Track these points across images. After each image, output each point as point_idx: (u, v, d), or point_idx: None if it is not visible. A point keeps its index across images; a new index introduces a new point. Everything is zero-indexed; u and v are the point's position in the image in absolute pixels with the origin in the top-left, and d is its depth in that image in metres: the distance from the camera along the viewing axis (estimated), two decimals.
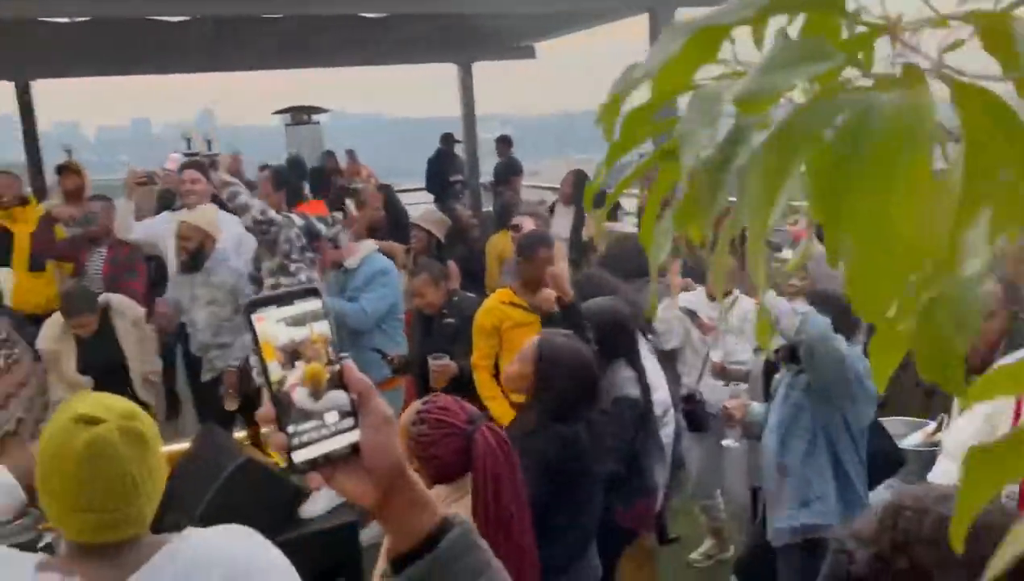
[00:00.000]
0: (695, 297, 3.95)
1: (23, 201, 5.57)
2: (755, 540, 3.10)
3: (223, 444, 4.14)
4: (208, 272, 4.46)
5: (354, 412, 0.76)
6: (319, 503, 4.15)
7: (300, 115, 11.67)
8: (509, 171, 9.63)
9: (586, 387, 2.61)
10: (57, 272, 5.45)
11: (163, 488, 1.42)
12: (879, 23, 0.39)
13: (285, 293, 0.76)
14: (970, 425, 2.20)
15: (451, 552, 0.79)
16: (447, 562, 0.79)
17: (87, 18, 6.90)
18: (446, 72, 11.83)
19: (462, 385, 4.00)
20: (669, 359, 3.81)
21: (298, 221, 4.16)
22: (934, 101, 0.35)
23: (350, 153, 9.52)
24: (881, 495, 2.73)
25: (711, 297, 3.85)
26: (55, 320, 4.32)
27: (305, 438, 0.74)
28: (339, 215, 4.83)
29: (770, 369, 3.21)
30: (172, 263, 4.98)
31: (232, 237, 4.72)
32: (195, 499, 3.48)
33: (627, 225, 6.00)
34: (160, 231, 5.08)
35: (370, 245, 4.56)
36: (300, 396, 0.74)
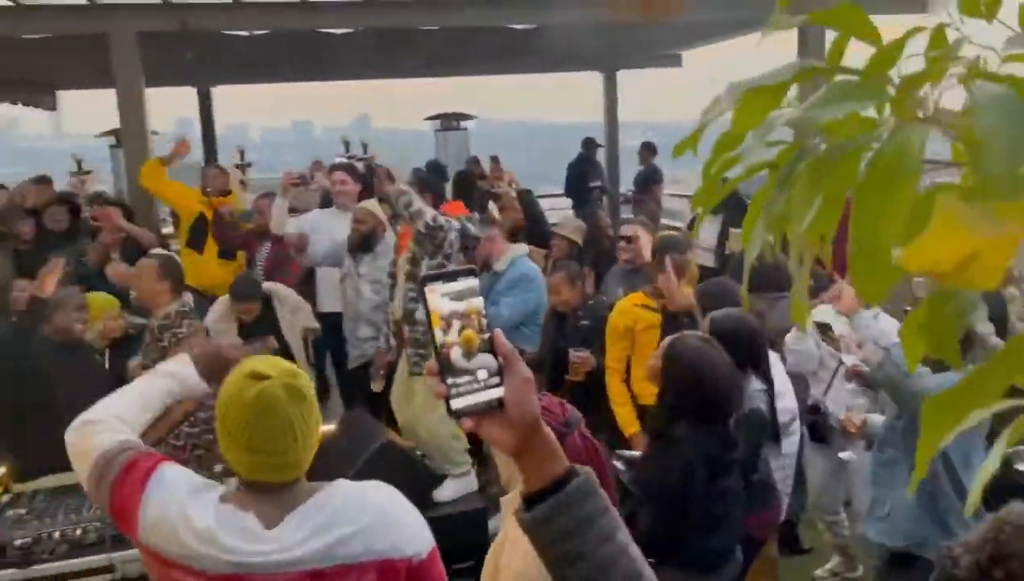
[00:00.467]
0: (827, 310, 3.91)
1: (225, 193, 6.14)
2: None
3: (367, 427, 4.46)
4: (376, 255, 4.87)
5: (500, 373, 0.95)
6: (450, 489, 4.39)
7: (449, 121, 12.15)
8: (650, 179, 9.62)
9: (716, 392, 2.57)
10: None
11: (318, 441, 1.67)
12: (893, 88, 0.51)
13: (451, 271, 0.96)
14: None
15: (575, 495, 0.96)
16: (571, 503, 0.95)
17: (265, 31, 7.54)
18: (591, 79, 12.01)
19: (591, 385, 4.13)
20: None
21: (455, 225, 4.41)
22: (922, 140, 0.48)
23: (494, 159, 9.83)
24: None
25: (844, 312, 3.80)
26: (222, 302, 4.78)
27: (461, 390, 0.93)
28: (478, 215, 5.08)
29: None
30: (317, 258, 5.44)
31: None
32: (339, 475, 3.79)
33: None
34: (309, 227, 5.50)
35: (519, 249, 4.71)
36: (456, 356, 0.93)
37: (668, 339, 2.77)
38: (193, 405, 3.31)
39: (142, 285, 4.05)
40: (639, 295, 3.97)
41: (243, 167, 8.53)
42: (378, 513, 1.61)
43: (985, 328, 2.31)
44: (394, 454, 4.10)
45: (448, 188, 6.67)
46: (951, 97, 0.51)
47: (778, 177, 0.60)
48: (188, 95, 11.99)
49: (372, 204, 5.03)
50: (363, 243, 4.93)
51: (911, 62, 0.53)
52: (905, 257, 0.43)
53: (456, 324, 0.93)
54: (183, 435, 3.85)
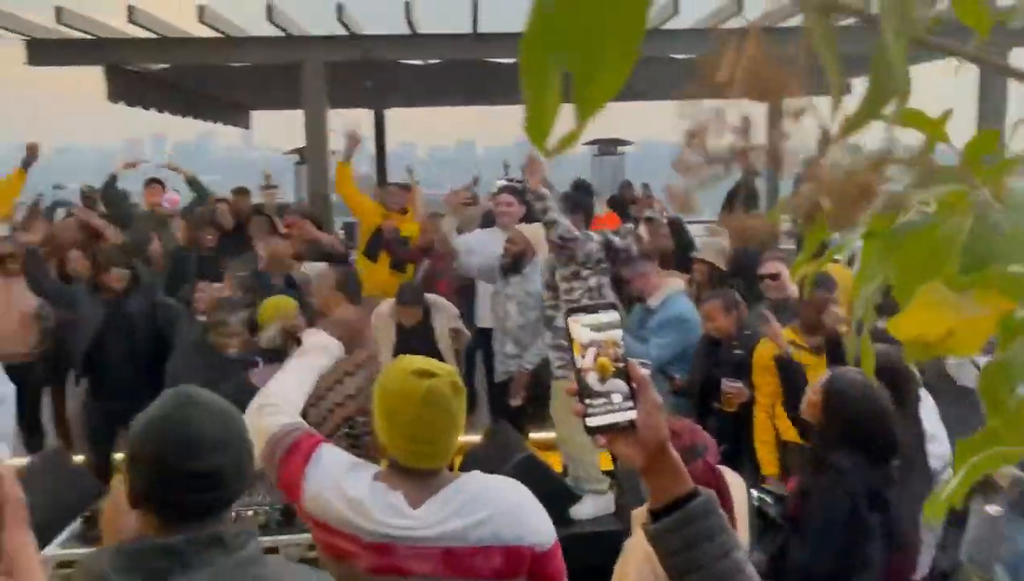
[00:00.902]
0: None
1: (404, 211, 6.57)
2: None
3: (510, 440, 4.65)
4: (524, 277, 5.06)
5: (633, 397, 1.08)
6: (588, 507, 4.49)
7: (607, 146, 12.27)
8: None
9: (880, 428, 2.51)
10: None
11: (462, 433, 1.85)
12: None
13: (593, 304, 1.10)
14: None
15: (697, 512, 1.08)
16: (693, 519, 1.08)
17: (438, 60, 8.01)
18: (753, 105, 11.73)
19: (741, 417, 4.09)
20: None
21: (596, 237, 4.53)
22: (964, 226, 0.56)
23: (646, 186, 9.82)
24: None
25: None
26: (388, 304, 5.10)
27: (597, 410, 1.07)
28: (631, 226, 5.14)
29: None
30: (473, 271, 5.69)
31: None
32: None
33: None
34: (475, 245, 5.78)
35: (675, 286, 4.67)
36: (592, 380, 1.07)
37: (828, 374, 2.73)
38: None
39: (320, 293, 4.48)
40: (787, 331, 3.93)
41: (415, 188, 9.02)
42: (507, 504, 1.77)
43: None
44: (535, 468, 4.23)
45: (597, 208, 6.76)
46: None
47: (876, 246, 0.67)
48: (364, 117, 12.85)
49: (527, 227, 5.22)
50: (513, 264, 5.12)
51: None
52: (894, 327, 0.52)
53: (594, 351, 1.07)
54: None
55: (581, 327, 1.08)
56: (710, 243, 5.69)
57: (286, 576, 1.39)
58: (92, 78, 7.99)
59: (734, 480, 2.27)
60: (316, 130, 6.93)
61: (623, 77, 0.39)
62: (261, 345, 4.52)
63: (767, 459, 3.94)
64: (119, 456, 4.37)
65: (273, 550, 3.49)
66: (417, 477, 1.77)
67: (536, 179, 4.32)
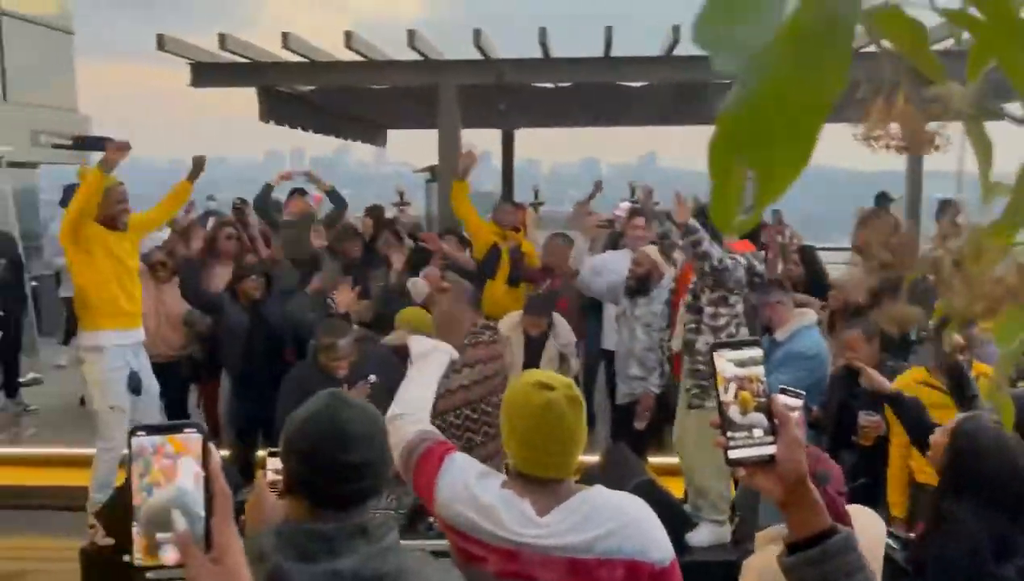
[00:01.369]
0: None
1: (516, 229, 6.74)
2: None
3: (629, 462, 4.65)
4: (651, 299, 5.06)
5: (774, 432, 1.11)
6: (704, 535, 4.43)
7: None
8: None
9: (1013, 479, 2.36)
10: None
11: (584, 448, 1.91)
12: None
13: (738, 341, 1.17)
14: None
15: (835, 548, 1.11)
16: (832, 555, 1.10)
17: (568, 84, 8.15)
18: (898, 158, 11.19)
19: (876, 451, 3.95)
20: None
21: (743, 261, 4.45)
22: None
23: (776, 212, 9.49)
24: None
25: None
26: (515, 315, 5.26)
27: (738, 443, 1.12)
28: (762, 253, 5.05)
29: None
30: (602, 292, 5.70)
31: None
32: None
33: None
34: (603, 266, 5.81)
35: (806, 319, 4.52)
36: (734, 413, 1.12)
37: (959, 417, 2.62)
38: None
39: (444, 305, 4.67)
40: (922, 371, 3.77)
41: (537, 205, 9.18)
42: (630, 519, 1.81)
43: None
44: (654, 492, 4.21)
45: None
46: None
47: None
48: (493, 136, 13.19)
49: (653, 249, 5.23)
50: (639, 285, 5.13)
51: None
52: None
53: (737, 386, 1.12)
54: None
55: (725, 362, 1.13)
56: (849, 274, 5.52)
57: (423, 567, 1.51)
58: (246, 99, 8.61)
59: (868, 518, 2.22)
60: (449, 149, 7.18)
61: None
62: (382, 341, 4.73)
63: (896, 500, 3.79)
64: (260, 453, 4.67)
65: None
66: (542, 486, 1.84)
67: (685, 213, 4.24)
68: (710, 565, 4.07)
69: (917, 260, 0.60)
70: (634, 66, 7.41)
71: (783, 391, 2.26)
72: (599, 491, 1.88)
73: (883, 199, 9.68)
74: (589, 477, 4.61)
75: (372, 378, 4.71)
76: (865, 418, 3.78)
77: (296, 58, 7.25)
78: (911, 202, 10.27)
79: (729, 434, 1.11)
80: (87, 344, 4.73)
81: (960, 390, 3.26)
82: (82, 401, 7.16)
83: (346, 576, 1.38)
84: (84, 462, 5.08)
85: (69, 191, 8.04)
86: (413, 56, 7.12)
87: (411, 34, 6.83)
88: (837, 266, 7.65)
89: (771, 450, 1.10)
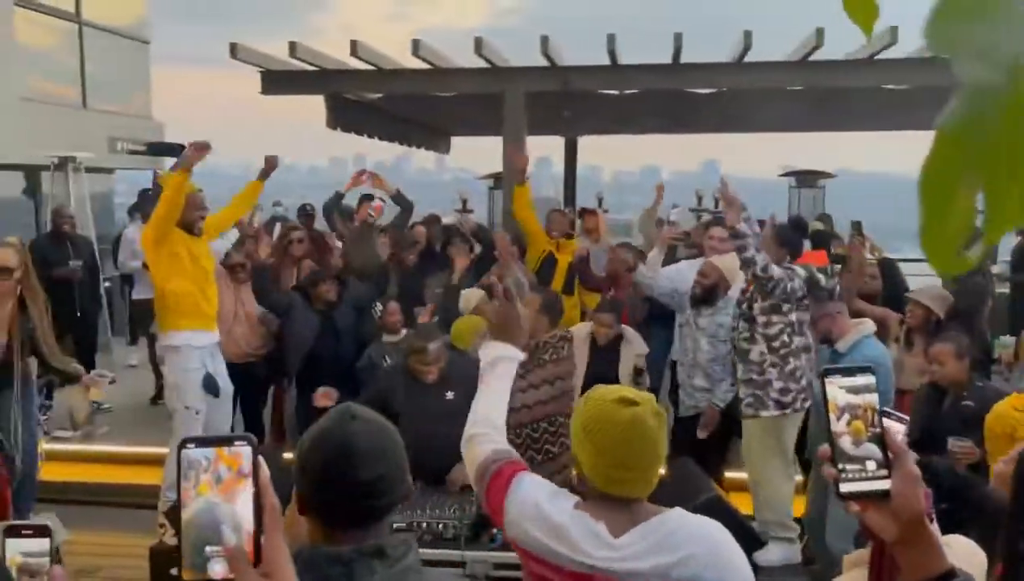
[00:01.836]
0: None
1: (568, 236, 6.73)
2: None
3: (694, 477, 4.54)
4: (716, 310, 4.97)
5: (888, 466, 1.04)
6: (774, 554, 4.31)
7: (806, 178, 11.77)
8: None
9: None
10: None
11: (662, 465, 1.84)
12: None
13: (849, 367, 1.08)
14: None
15: None
16: None
17: (635, 91, 8.05)
18: None
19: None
20: None
21: (801, 273, 4.37)
22: None
23: (856, 226, 9.02)
24: None
25: None
26: (585, 326, 5.29)
27: (850, 476, 1.04)
28: (838, 267, 4.91)
29: None
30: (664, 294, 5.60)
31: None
32: None
33: None
34: (676, 277, 5.70)
35: (866, 328, 4.44)
36: (846, 444, 1.04)
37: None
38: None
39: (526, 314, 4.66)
40: (1021, 398, 3.57)
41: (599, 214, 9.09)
42: (711, 544, 1.72)
43: None
44: (721, 509, 4.12)
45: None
46: None
47: None
48: (556, 143, 13.14)
49: (720, 259, 5.13)
50: (704, 296, 5.04)
51: None
52: None
53: (849, 415, 1.04)
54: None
55: (836, 389, 1.05)
56: (929, 286, 5.33)
57: None
58: (313, 105, 8.74)
59: (965, 548, 2.09)
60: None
61: None
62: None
63: None
64: None
65: (460, 564, 3.64)
66: (618, 506, 1.77)
67: (735, 215, 4.25)
68: None
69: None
70: (703, 72, 7.29)
71: (885, 414, 2.15)
72: (678, 513, 1.79)
73: None
74: (654, 493, 4.53)
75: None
76: (957, 444, 3.59)
77: (364, 66, 7.32)
78: None
79: (840, 466, 1.04)
80: (166, 344, 4.86)
81: None
82: (153, 400, 7.36)
83: None
84: (156, 461, 5.20)
85: (144, 196, 8.31)
86: (480, 63, 7.12)
87: (478, 42, 6.84)
88: (912, 278, 7.39)
89: (886, 485, 1.03)
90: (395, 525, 3.66)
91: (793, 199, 11.83)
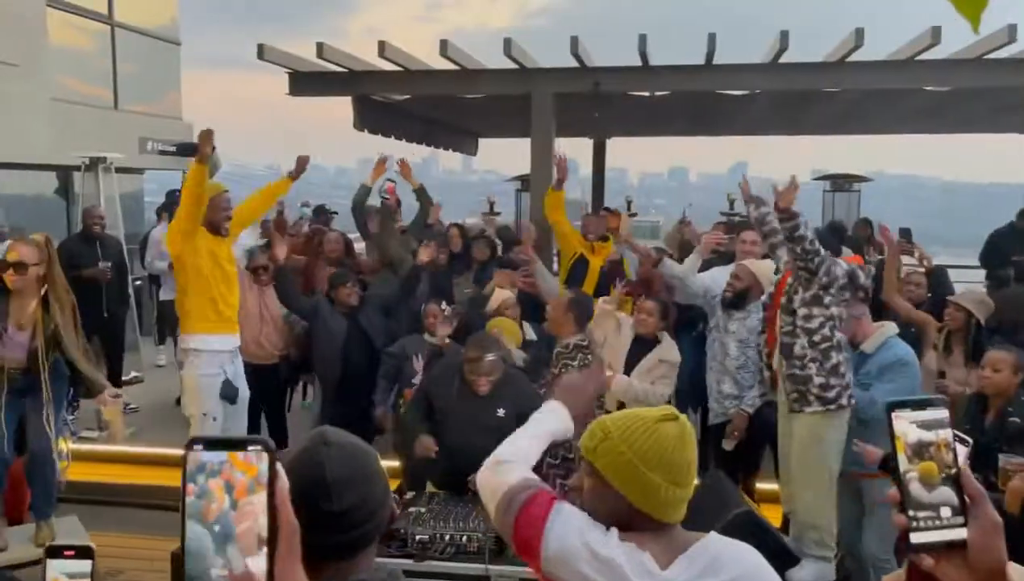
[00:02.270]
0: None
1: (604, 238, 6.65)
2: None
3: (725, 490, 4.41)
4: (747, 314, 4.85)
5: (964, 512, 0.92)
6: (809, 573, 4.17)
7: (841, 182, 11.53)
8: None
9: None
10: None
11: None
12: None
13: (921, 399, 0.95)
14: None
15: None
16: None
17: (666, 92, 7.91)
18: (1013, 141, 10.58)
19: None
20: None
21: (844, 265, 4.24)
22: None
23: (906, 231, 8.69)
24: None
25: None
26: (628, 317, 5.13)
27: (921, 524, 0.92)
28: (872, 269, 4.78)
29: None
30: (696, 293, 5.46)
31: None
32: (698, 529, 3.80)
33: None
34: (710, 282, 5.57)
35: (890, 329, 4.39)
36: (916, 487, 0.92)
37: None
38: None
39: (553, 314, 4.58)
40: None
41: (630, 215, 8.99)
42: (750, 567, 1.65)
43: None
44: (753, 525, 3.99)
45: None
46: None
47: None
48: (585, 145, 13.04)
49: (755, 263, 5.01)
50: (735, 299, 4.92)
51: None
52: None
53: (920, 454, 0.93)
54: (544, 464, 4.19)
55: (907, 424, 0.93)
56: (971, 290, 5.15)
57: None
58: (340, 107, 8.70)
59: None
60: (542, 158, 7.07)
61: None
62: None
63: None
64: None
65: (484, 579, 3.54)
66: (658, 535, 1.67)
67: (789, 197, 4.08)
68: None
69: None
70: (737, 74, 7.13)
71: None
72: (716, 539, 1.70)
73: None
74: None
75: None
76: (1012, 462, 3.42)
77: (392, 67, 7.26)
78: None
79: (911, 513, 0.92)
80: (186, 347, 4.80)
81: None
82: (178, 401, 7.37)
83: None
84: (177, 463, 5.17)
85: (171, 196, 8.33)
86: (509, 65, 7.02)
87: (507, 42, 6.75)
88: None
89: (962, 534, 0.91)
90: (417, 538, 3.57)
91: (827, 203, 11.60)
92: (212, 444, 0.81)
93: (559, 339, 4.68)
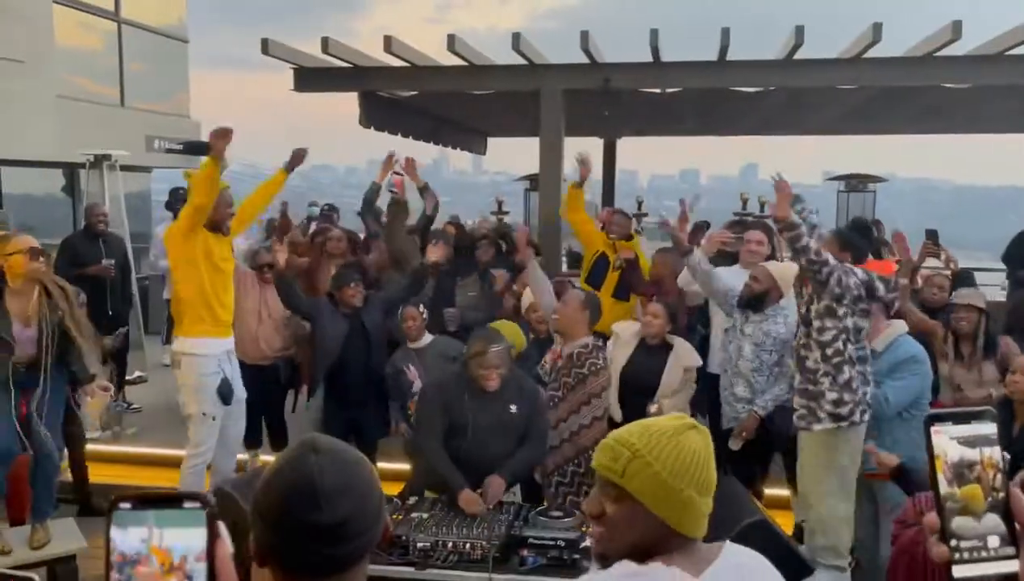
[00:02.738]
0: None
1: (628, 237, 6.50)
2: None
3: (738, 497, 4.28)
4: (765, 317, 4.71)
5: (1014, 540, 0.80)
6: None
7: (855, 182, 11.35)
8: None
9: None
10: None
11: None
12: None
13: (964, 412, 0.83)
14: None
15: None
16: None
17: (677, 89, 7.77)
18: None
19: None
20: None
21: (859, 273, 4.13)
22: None
23: (933, 234, 8.44)
24: None
25: None
26: (632, 323, 5.08)
27: (965, 555, 0.79)
28: (902, 281, 4.66)
29: None
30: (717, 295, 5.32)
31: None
32: (712, 537, 3.68)
33: None
34: (728, 276, 5.42)
35: (899, 327, 4.33)
36: (959, 513, 0.80)
37: None
38: None
39: (565, 313, 4.43)
40: None
41: (639, 217, 8.87)
42: (768, 574, 1.57)
43: None
44: (767, 534, 3.86)
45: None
46: None
47: None
48: (596, 144, 12.89)
49: (777, 267, 4.89)
50: (753, 301, 4.79)
51: None
52: None
53: (964, 474, 0.80)
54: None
55: (947, 440, 0.81)
56: (969, 291, 4.99)
57: None
58: (350, 106, 8.61)
59: None
60: (551, 157, 6.95)
61: None
62: None
63: None
64: None
65: None
66: (683, 549, 1.55)
67: (784, 207, 4.00)
68: None
69: None
70: (751, 70, 6.99)
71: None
72: (734, 547, 1.60)
73: None
74: None
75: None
76: None
77: (398, 63, 7.15)
78: None
79: (953, 542, 0.79)
80: (181, 349, 4.72)
81: None
82: None
83: None
84: (178, 463, 5.07)
85: (174, 194, 8.25)
86: (517, 60, 6.91)
87: (516, 37, 6.63)
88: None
89: (1013, 566, 0.79)
90: (419, 545, 3.46)
91: (841, 204, 11.42)
92: (139, 503, 0.71)
93: (567, 341, 4.50)
